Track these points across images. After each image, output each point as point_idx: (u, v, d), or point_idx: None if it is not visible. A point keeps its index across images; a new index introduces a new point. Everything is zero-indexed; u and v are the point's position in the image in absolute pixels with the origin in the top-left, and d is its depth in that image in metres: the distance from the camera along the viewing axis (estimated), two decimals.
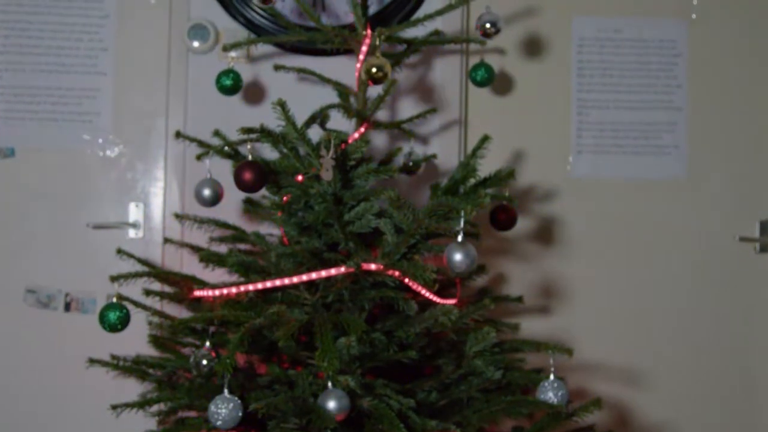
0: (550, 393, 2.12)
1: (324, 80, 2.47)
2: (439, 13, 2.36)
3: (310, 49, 3.13)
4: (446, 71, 3.30)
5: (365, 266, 2.08)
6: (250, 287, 2.15)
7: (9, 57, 3.18)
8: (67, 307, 3.19)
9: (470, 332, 2.20)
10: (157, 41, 3.22)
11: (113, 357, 2.38)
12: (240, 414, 1.93)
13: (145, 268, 2.37)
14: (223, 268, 2.30)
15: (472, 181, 2.31)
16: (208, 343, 2.03)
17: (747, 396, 3.44)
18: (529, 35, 3.37)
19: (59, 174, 3.21)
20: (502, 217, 2.44)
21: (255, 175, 2.16)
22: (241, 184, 2.16)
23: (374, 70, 2.15)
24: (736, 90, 3.43)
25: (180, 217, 2.60)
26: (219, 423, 1.91)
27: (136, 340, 2.51)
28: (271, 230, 2.55)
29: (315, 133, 2.23)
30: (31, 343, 3.18)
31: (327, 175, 2.08)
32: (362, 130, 2.32)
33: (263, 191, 2.27)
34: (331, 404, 1.90)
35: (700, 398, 3.41)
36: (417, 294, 2.19)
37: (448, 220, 2.04)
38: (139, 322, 2.32)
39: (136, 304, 2.24)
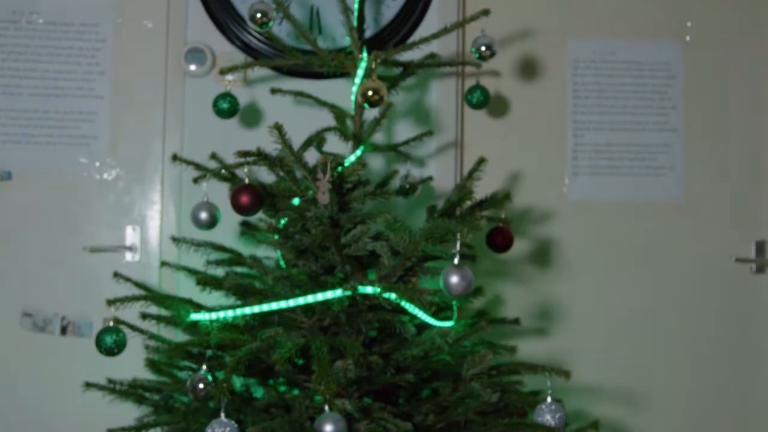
0: (547, 416, 2.11)
1: (320, 103, 2.48)
2: (435, 36, 2.36)
3: (306, 72, 3.14)
4: (442, 94, 3.30)
5: (362, 289, 2.08)
6: (247, 310, 2.15)
7: (6, 80, 3.18)
8: (64, 330, 3.18)
9: (467, 355, 2.20)
10: (153, 65, 3.22)
11: (110, 381, 2.38)
12: None
13: (142, 292, 2.37)
14: (220, 291, 2.29)
15: (469, 203, 2.31)
16: (204, 367, 2.03)
17: (746, 417, 3.43)
18: (525, 58, 3.38)
19: (56, 197, 3.21)
20: (499, 239, 2.44)
21: (252, 198, 2.16)
22: (237, 207, 2.16)
23: (370, 93, 2.15)
24: (731, 111, 3.44)
25: (177, 240, 2.60)
26: None
27: (132, 364, 2.51)
28: (267, 253, 2.55)
29: (312, 156, 2.23)
30: (27, 367, 3.16)
31: (323, 198, 2.08)
32: (358, 152, 2.32)
33: (260, 214, 2.27)
34: (328, 428, 1.89)
35: (699, 420, 3.40)
36: (414, 316, 2.19)
37: (445, 243, 2.05)
38: (136, 345, 2.32)
39: (133, 327, 2.24)
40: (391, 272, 2.09)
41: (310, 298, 2.11)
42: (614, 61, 3.40)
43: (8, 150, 3.19)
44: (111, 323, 2.14)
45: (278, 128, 2.14)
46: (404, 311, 2.16)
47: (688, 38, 3.43)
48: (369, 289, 2.08)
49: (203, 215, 2.30)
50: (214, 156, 2.47)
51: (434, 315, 2.24)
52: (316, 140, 2.48)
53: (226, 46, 3.20)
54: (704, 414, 3.41)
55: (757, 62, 3.46)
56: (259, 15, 2.32)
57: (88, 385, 2.38)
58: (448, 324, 2.23)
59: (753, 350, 3.44)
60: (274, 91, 2.59)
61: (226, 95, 2.56)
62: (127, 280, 2.42)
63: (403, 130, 3.23)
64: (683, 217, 3.42)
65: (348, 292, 2.08)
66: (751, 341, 3.44)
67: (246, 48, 3.18)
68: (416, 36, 3.16)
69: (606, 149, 3.40)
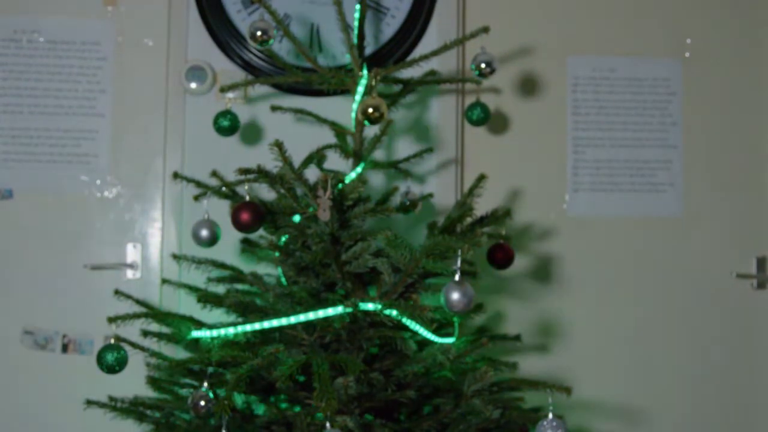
0: None
1: (321, 120, 2.48)
2: (435, 53, 2.37)
3: (306, 90, 3.14)
4: (442, 111, 3.31)
5: (363, 306, 2.08)
6: (248, 328, 2.15)
7: (7, 99, 3.19)
8: (65, 348, 3.18)
9: (468, 371, 2.20)
10: (154, 83, 3.23)
11: (111, 398, 2.38)
12: None
13: (143, 309, 2.37)
14: (221, 308, 2.30)
15: (469, 220, 2.32)
16: (205, 384, 2.03)
17: None
18: (524, 75, 3.39)
19: (57, 215, 3.21)
20: (500, 255, 2.44)
21: (252, 216, 2.16)
22: (238, 224, 2.16)
23: (370, 110, 2.16)
24: (731, 127, 3.45)
25: (177, 257, 2.60)
26: None
27: (134, 382, 2.50)
28: (268, 270, 2.55)
29: (312, 174, 2.24)
30: (28, 385, 3.16)
31: (324, 215, 2.09)
32: (359, 170, 2.33)
33: (261, 231, 2.27)
34: None
35: None
36: (415, 333, 2.19)
37: (446, 260, 2.05)
38: (137, 363, 2.32)
39: (134, 345, 2.24)
40: (392, 289, 2.09)
41: (311, 315, 2.11)
42: (614, 78, 3.41)
43: (9, 168, 3.20)
44: (112, 341, 2.14)
45: (279, 145, 2.15)
46: (405, 328, 2.16)
47: (687, 55, 3.44)
48: (370, 306, 2.08)
49: (204, 233, 2.31)
50: (214, 173, 2.47)
51: (435, 331, 2.24)
52: (317, 157, 2.48)
53: (227, 63, 3.21)
54: (703, 429, 3.40)
55: (757, 79, 3.47)
56: (259, 33, 2.34)
57: (90, 402, 2.38)
58: (449, 340, 2.23)
59: (754, 367, 3.43)
60: (274, 108, 2.59)
61: (226, 113, 2.57)
62: (128, 297, 2.42)
63: (404, 147, 3.24)
64: (683, 233, 3.42)
65: (349, 309, 2.08)
66: (752, 358, 3.43)
67: (246, 66, 3.19)
68: (416, 53, 3.16)
69: (606, 165, 3.40)
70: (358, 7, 2.45)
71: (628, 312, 3.39)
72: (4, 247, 3.19)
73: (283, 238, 2.31)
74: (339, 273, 2.17)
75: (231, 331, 2.17)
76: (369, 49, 3.15)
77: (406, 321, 2.13)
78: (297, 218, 2.23)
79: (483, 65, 2.41)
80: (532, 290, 3.36)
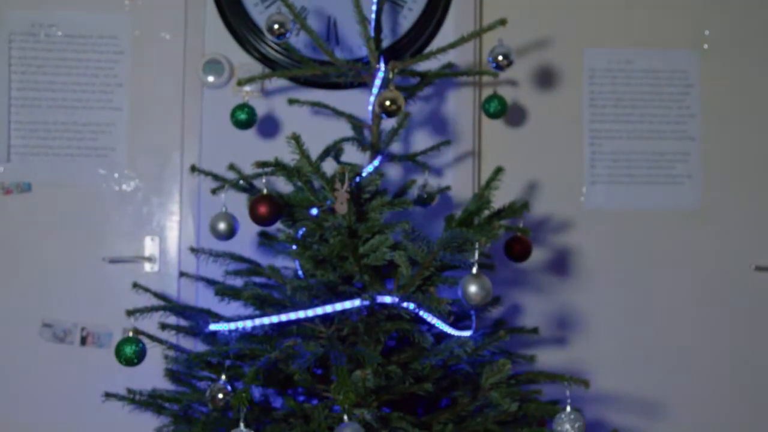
0: (567, 425, 2.10)
1: (338, 113, 2.48)
2: (452, 45, 2.36)
3: (324, 83, 3.14)
4: (459, 103, 3.30)
5: (380, 299, 2.08)
6: (266, 320, 2.15)
7: (25, 93, 3.20)
8: (83, 341, 3.19)
9: (486, 364, 2.20)
10: (171, 76, 3.23)
11: (129, 391, 2.38)
12: None
13: (161, 302, 2.38)
14: (239, 301, 2.29)
15: (487, 212, 2.31)
16: (223, 377, 2.03)
17: (764, 428, 3.41)
18: (542, 67, 3.38)
19: (75, 208, 3.22)
20: (517, 248, 2.43)
21: (270, 209, 2.16)
22: (256, 217, 2.16)
23: (388, 103, 2.16)
24: (749, 119, 3.43)
25: (195, 250, 2.61)
26: None
27: (152, 374, 2.51)
28: (286, 263, 2.56)
29: (330, 166, 2.24)
30: (47, 378, 3.17)
31: (341, 208, 2.09)
32: (376, 162, 2.32)
33: (278, 224, 2.27)
34: None
35: (718, 429, 3.38)
36: (432, 326, 2.19)
37: (463, 252, 2.04)
38: (155, 355, 2.33)
39: (152, 338, 2.25)
40: (410, 282, 2.08)
41: (328, 308, 2.12)
42: (631, 69, 3.40)
43: (28, 162, 3.21)
44: (130, 333, 2.15)
45: (296, 138, 2.15)
46: (423, 321, 2.16)
47: (705, 46, 3.42)
48: (387, 299, 2.09)
49: (222, 226, 2.31)
50: (232, 167, 2.48)
51: (453, 324, 2.24)
52: (334, 150, 2.49)
53: (244, 57, 3.21)
54: (724, 424, 3.39)
55: None
56: (276, 26, 2.34)
57: (108, 395, 2.38)
58: (467, 333, 2.22)
59: None
60: (291, 101, 2.60)
61: (243, 106, 2.57)
62: (146, 290, 2.43)
63: (421, 140, 3.23)
64: (701, 226, 3.40)
65: (366, 302, 2.08)
66: None
67: (263, 59, 3.19)
68: (433, 46, 3.15)
69: (623, 158, 3.39)
70: (375, 0, 2.44)
71: (647, 305, 3.38)
72: (22, 240, 3.20)
73: (301, 231, 2.31)
74: (356, 266, 2.17)
75: (248, 324, 2.17)
76: (386, 42, 3.14)
77: (424, 314, 2.13)
78: (314, 211, 2.23)
79: (500, 57, 2.41)
80: (550, 283, 3.36)
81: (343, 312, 2.12)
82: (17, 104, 3.21)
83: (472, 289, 1.97)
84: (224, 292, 2.31)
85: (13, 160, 3.21)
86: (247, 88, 3.13)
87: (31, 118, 3.21)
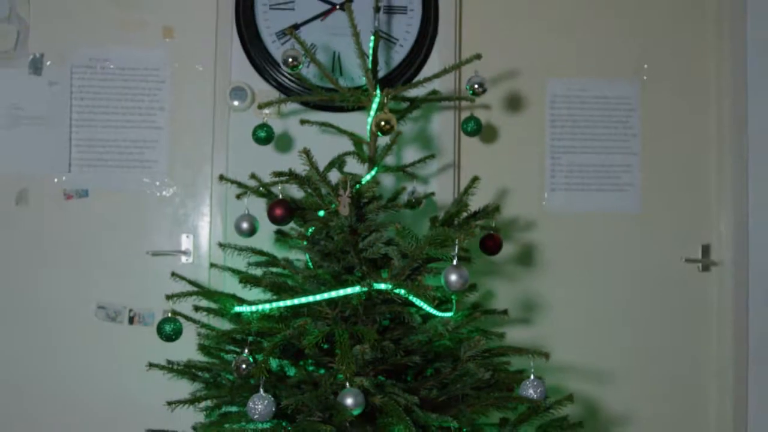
0: (530, 390, 2.11)
1: (341, 132, 2.46)
2: (436, 76, 2.35)
3: (330, 107, 3.13)
4: (442, 124, 3.29)
5: (376, 286, 2.07)
6: (281, 304, 2.14)
7: (84, 115, 3.19)
8: (131, 320, 3.18)
9: (464, 340, 2.18)
10: (204, 101, 3.22)
11: (168, 362, 2.37)
12: (273, 409, 1.92)
13: (194, 288, 2.36)
14: (259, 287, 2.28)
15: (465, 214, 2.29)
16: (246, 351, 2.01)
17: (693, 390, 3.40)
18: (510, 94, 3.37)
19: (124, 211, 3.21)
20: (490, 244, 2.42)
21: (284, 211, 2.15)
22: (273, 218, 2.16)
23: (383, 123, 2.15)
24: (680, 137, 3.43)
25: (223, 245, 2.59)
26: (256, 417, 1.91)
27: (187, 348, 2.49)
28: (298, 256, 2.54)
29: (334, 176, 2.23)
30: (101, 351, 3.16)
31: (344, 210, 2.08)
32: (373, 173, 2.31)
33: (291, 224, 2.26)
34: (349, 401, 1.89)
35: (656, 393, 3.38)
36: (420, 308, 2.17)
37: (445, 247, 2.03)
38: (190, 333, 2.31)
39: (188, 318, 2.24)
40: (401, 272, 2.07)
41: (333, 294, 2.10)
42: (584, 96, 3.39)
43: (86, 172, 3.19)
44: (170, 314, 2.15)
45: (306, 153, 2.14)
46: (411, 304, 2.15)
47: (645, 78, 3.41)
48: (382, 286, 2.07)
49: (245, 225, 2.31)
50: (253, 176, 2.46)
51: (437, 307, 2.22)
52: (338, 162, 2.47)
53: (264, 85, 3.19)
54: (660, 387, 3.38)
55: (701, 97, 3.44)
56: (290, 59, 2.33)
57: (151, 365, 2.37)
58: (448, 314, 2.21)
59: (700, 334, 3.41)
60: (303, 122, 2.58)
61: (263, 126, 2.55)
62: (182, 278, 2.41)
63: (410, 154, 3.22)
64: (642, 226, 3.40)
65: (365, 289, 2.08)
66: (698, 327, 3.41)
67: (280, 86, 3.18)
68: (421, 76, 3.15)
69: (578, 169, 3.38)
70: (372, 38, 2.43)
71: (597, 290, 3.37)
72: (81, 237, 3.19)
73: (310, 230, 2.29)
74: (356, 258, 2.15)
75: (267, 306, 2.17)
76: (381, 73, 3.13)
77: (413, 298, 2.11)
78: (321, 213, 2.22)
79: (476, 86, 2.40)
80: (517, 273, 3.34)
81: (346, 297, 2.11)
82: (77, 125, 3.19)
83: (453, 277, 1.96)
84: (247, 280, 2.30)
85: (74, 171, 3.19)
86: (266, 110, 3.12)
87: (89, 136, 3.19)
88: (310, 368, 2.24)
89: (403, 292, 2.09)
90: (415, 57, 3.23)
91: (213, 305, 2.41)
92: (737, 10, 3.39)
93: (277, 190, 2.26)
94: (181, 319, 2.18)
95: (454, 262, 1.96)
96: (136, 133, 3.22)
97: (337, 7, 3.21)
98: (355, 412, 1.90)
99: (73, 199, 3.19)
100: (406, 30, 3.24)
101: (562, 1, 3.41)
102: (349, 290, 2.10)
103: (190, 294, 2.32)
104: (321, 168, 2.21)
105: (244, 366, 1.99)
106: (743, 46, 3.40)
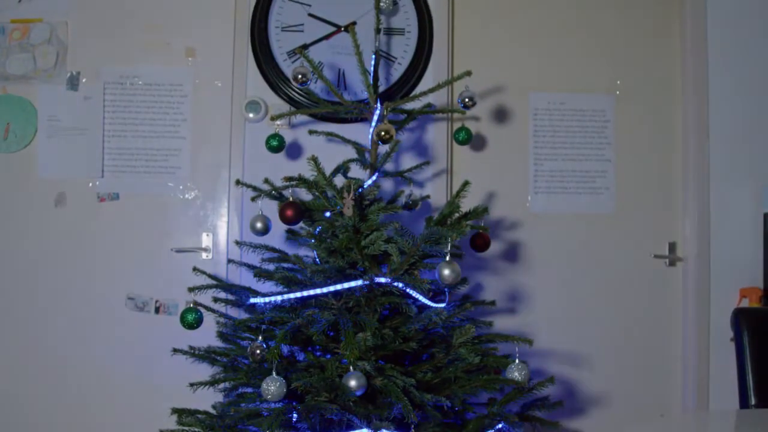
0: (516, 373, 2.11)
1: (346, 141, 2.46)
2: (431, 90, 2.36)
3: (335, 118, 3.11)
4: (436, 133, 3.28)
5: (377, 279, 2.06)
6: (291, 296, 2.13)
7: (115, 127, 3.18)
8: (157, 310, 3.17)
9: (456, 328, 2.18)
10: (222, 113, 3.21)
11: (191, 347, 2.37)
12: (284, 390, 1.92)
13: (214, 282, 2.36)
14: (271, 281, 2.28)
15: (457, 215, 2.29)
16: (260, 337, 2.01)
17: (661, 371, 3.39)
18: (498, 106, 3.35)
19: (151, 212, 3.20)
20: (479, 242, 2.42)
21: (295, 212, 2.15)
22: (284, 218, 2.16)
23: (383, 133, 2.15)
24: (648, 146, 3.42)
25: (239, 243, 2.58)
26: (269, 397, 1.91)
27: (207, 335, 2.49)
28: (307, 253, 2.53)
29: (339, 180, 2.23)
30: (130, 337, 3.15)
31: (348, 211, 2.07)
32: (374, 177, 2.30)
33: (301, 224, 2.26)
34: (352, 383, 1.89)
35: (627, 375, 3.36)
36: (416, 300, 2.17)
37: (439, 245, 2.03)
38: (210, 321, 2.32)
39: (208, 308, 2.25)
40: (399, 267, 2.07)
41: (338, 286, 2.11)
42: (564, 109, 3.38)
43: (117, 177, 3.18)
44: (192, 305, 2.15)
45: (314, 160, 2.15)
46: (409, 296, 2.14)
47: (618, 92, 3.40)
48: (382, 280, 2.07)
49: (259, 224, 2.31)
50: (266, 180, 2.45)
51: (431, 298, 2.22)
52: (343, 168, 2.46)
53: (276, 99, 3.18)
54: (631, 370, 3.37)
55: (668, 110, 3.43)
56: (300, 76, 2.34)
57: (175, 350, 2.37)
58: (442, 305, 2.20)
59: (668, 322, 3.40)
60: (311, 132, 2.57)
61: (275, 135, 2.55)
62: (203, 273, 2.40)
63: (408, 160, 3.21)
64: (615, 225, 3.39)
65: (367, 282, 2.07)
66: (665, 316, 3.40)
67: (290, 100, 3.16)
68: (417, 90, 3.12)
69: (558, 175, 3.37)
70: (373, 57, 2.42)
71: (576, 283, 3.36)
72: (113, 236, 3.18)
73: (318, 229, 2.29)
74: (359, 255, 2.15)
75: (279, 298, 2.16)
76: (381, 88, 3.12)
77: (410, 291, 2.11)
78: (328, 214, 2.21)
79: (467, 99, 2.41)
80: (504, 268, 3.33)
81: (349, 289, 2.10)
82: (109, 135, 3.18)
83: (446, 272, 1.96)
84: (261, 274, 2.29)
85: (106, 176, 3.18)
86: (278, 122, 3.11)
87: (119, 145, 3.18)
88: (318, 353, 2.23)
89: (401, 285, 2.09)
90: (412, 74, 3.22)
91: (230, 297, 2.40)
92: (699, 32, 3.39)
93: (288, 193, 2.26)
94: (202, 309, 2.19)
95: (447, 258, 1.96)
96: (162, 142, 3.21)
97: (342, 29, 3.20)
98: (358, 393, 1.90)
99: (106, 202, 3.18)
100: (404, 49, 3.22)
101: (544, 23, 3.40)
102: (352, 283, 2.10)
103: (209, 287, 2.32)
104: (327, 173, 2.21)
105: (258, 351, 1.99)
106: (704, 65, 3.39)
